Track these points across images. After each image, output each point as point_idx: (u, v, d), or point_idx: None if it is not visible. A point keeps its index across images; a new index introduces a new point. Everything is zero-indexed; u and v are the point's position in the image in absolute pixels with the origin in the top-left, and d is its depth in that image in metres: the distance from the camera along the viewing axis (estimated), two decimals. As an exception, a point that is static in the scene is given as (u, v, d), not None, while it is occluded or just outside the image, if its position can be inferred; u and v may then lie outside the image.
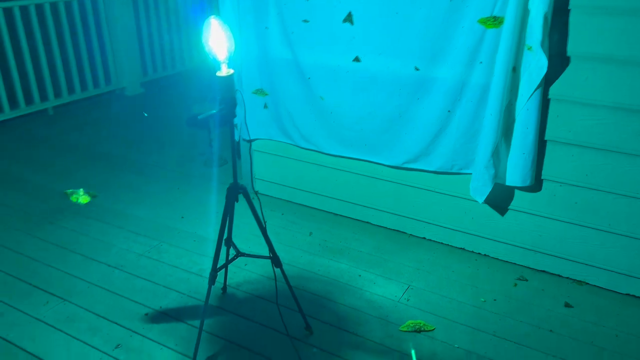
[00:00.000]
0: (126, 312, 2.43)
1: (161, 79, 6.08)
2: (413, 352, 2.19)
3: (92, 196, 2.08)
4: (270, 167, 3.45)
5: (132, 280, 2.66)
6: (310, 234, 3.11)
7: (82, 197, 2.04)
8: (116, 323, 2.36)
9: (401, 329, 2.34)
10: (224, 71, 1.87)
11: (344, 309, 2.47)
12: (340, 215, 3.28)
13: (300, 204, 3.42)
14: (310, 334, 2.31)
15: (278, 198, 3.47)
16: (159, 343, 2.25)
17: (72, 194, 2.04)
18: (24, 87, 4.84)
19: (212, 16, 1.84)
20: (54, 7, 4.96)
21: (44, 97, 5.03)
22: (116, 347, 2.22)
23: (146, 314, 2.42)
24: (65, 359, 2.17)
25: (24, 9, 4.71)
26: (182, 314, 2.43)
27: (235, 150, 2.10)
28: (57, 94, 5.13)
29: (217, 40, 1.84)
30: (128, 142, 4.45)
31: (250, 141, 3.42)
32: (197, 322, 2.35)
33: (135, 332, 2.31)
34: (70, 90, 5.24)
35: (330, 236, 3.08)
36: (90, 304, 2.49)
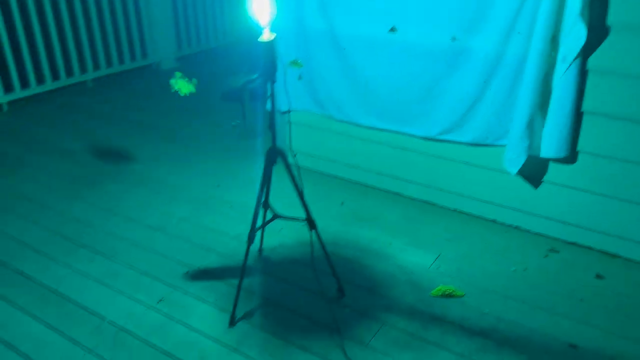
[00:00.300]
0: (168, 270, 2.55)
1: (196, 54, 6.17)
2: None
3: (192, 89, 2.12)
4: (302, 139, 3.50)
5: (172, 241, 2.78)
6: (342, 203, 3.17)
7: (183, 85, 2.05)
8: (159, 279, 2.48)
9: (432, 294, 2.40)
10: (266, 36, 1.92)
11: (375, 274, 2.54)
12: (371, 187, 3.33)
13: (331, 175, 3.48)
14: (342, 296, 2.39)
15: (310, 169, 3.53)
16: (199, 298, 2.36)
17: (175, 83, 2.06)
18: (65, 59, 5.00)
19: (256, -19, 1.89)
20: (94, -19, 5.09)
21: (83, 69, 5.18)
22: (159, 301, 2.34)
23: (187, 272, 2.54)
24: (111, 310, 2.30)
25: (64, -17, 4.84)
26: (221, 273, 2.53)
27: (273, 118, 2.16)
28: (96, 67, 5.28)
29: (260, 4, 1.89)
30: (163, 114, 4.57)
31: (284, 113, 3.46)
32: (234, 281, 2.45)
33: (177, 288, 2.43)
34: (109, 63, 5.38)
35: (361, 206, 3.14)
36: (133, 261, 2.61)
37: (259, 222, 2.32)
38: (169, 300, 2.35)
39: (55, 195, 3.24)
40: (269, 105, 3.57)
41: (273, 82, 2.00)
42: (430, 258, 2.65)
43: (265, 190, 2.25)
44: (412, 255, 2.67)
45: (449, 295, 2.39)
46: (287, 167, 2.18)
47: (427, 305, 2.34)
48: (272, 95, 2.06)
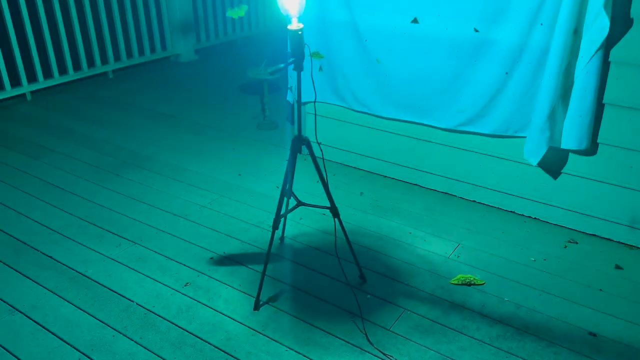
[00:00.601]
0: (193, 256, 2.61)
1: (215, 46, 6.24)
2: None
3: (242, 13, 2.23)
4: (322, 130, 3.54)
5: (196, 228, 2.83)
6: (361, 194, 3.21)
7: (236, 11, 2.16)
8: (184, 264, 2.54)
9: (452, 282, 2.44)
10: (295, 25, 1.96)
11: (395, 262, 2.58)
12: (390, 178, 3.37)
13: (351, 166, 3.52)
14: (363, 282, 2.43)
15: (329, 160, 3.57)
16: (224, 283, 2.42)
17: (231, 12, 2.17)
18: (87, 50, 5.08)
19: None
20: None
21: (104, 61, 5.26)
22: (185, 285, 2.40)
23: (211, 258, 2.59)
24: (139, 293, 2.36)
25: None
26: (244, 259, 2.59)
27: (299, 106, 2.19)
28: (117, 58, 5.36)
29: (290, -5, 1.93)
30: (183, 105, 4.63)
31: (305, 103, 3.51)
32: (257, 267, 2.51)
33: (202, 273, 2.48)
34: (129, 54, 5.45)
35: (380, 196, 3.18)
36: (159, 247, 2.67)
37: (283, 209, 2.36)
38: (195, 284, 2.41)
39: (80, 183, 3.31)
40: (289, 97, 3.65)
41: (300, 70, 2.04)
42: (450, 247, 2.69)
43: (290, 178, 2.29)
44: (432, 245, 2.71)
45: (469, 284, 2.43)
46: (312, 156, 2.21)
47: (448, 293, 2.38)
48: (299, 84, 2.10)
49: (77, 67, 5.05)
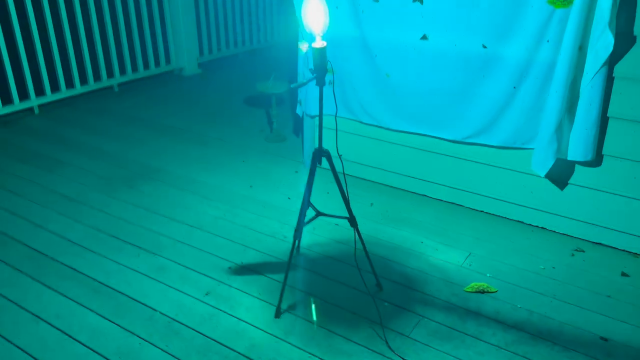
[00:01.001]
0: (211, 265, 2.66)
1: (217, 60, 6.33)
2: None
3: None
4: (330, 142, 3.61)
5: (212, 238, 2.89)
6: (372, 204, 3.29)
7: None
8: (203, 274, 2.60)
9: (466, 290, 2.51)
10: (319, 43, 2.05)
11: (409, 271, 2.65)
12: (399, 189, 3.45)
13: (360, 178, 3.59)
14: (380, 290, 2.50)
15: (338, 172, 3.63)
16: (244, 292, 2.47)
17: None
18: (93, 64, 5.14)
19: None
20: (122, -11, 5.25)
21: (110, 74, 5.32)
22: (206, 294, 2.46)
23: (229, 268, 2.65)
24: (163, 302, 2.41)
25: (94, -9, 5.00)
26: (261, 268, 2.64)
27: (320, 120, 2.27)
28: (122, 72, 5.42)
29: (315, 15, 2.01)
30: (189, 118, 4.70)
31: (314, 117, 3.59)
32: (275, 276, 2.57)
33: (222, 282, 2.54)
34: (134, 68, 5.52)
35: (390, 207, 3.25)
36: (177, 257, 2.73)
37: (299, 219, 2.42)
38: (215, 293, 2.47)
39: (94, 195, 3.35)
40: (298, 110, 3.73)
41: (323, 85, 2.12)
42: (461, 256, 2.77)
43: (309, 189, 2.37)
44: (443, 254, 2.79)
45: (482, 291, 2.50)
46: (332, 168, 2.29)
47: (462, 300, 2.45)
48: (321, 98, 2.18)
49: (83, 80, 5.11)
